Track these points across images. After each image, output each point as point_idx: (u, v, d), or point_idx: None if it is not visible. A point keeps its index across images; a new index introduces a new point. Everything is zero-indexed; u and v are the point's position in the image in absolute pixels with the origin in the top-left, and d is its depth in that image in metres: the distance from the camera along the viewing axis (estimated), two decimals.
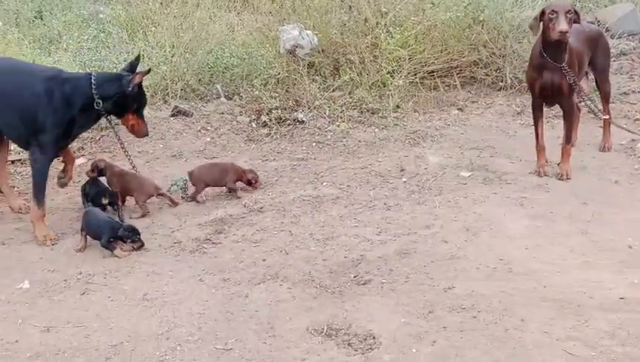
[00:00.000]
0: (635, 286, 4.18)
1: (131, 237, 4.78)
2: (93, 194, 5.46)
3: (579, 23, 5.60)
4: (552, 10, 5.44)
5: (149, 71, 5.47)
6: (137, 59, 5.38)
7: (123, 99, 5.18)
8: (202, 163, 6.01)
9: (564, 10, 5.41)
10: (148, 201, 5.42)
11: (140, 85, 5.21)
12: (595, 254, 4.58)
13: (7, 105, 5.05)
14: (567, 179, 5.66)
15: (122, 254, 4.76)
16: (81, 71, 7.18)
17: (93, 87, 5.08)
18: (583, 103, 5.99)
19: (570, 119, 5.75)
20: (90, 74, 5.23)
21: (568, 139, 5.75)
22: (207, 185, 5.61)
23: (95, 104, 5.08)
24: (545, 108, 5.94)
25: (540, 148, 5.82)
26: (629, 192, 5.46)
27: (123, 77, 5.16)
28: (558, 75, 5.55)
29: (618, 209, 5.18)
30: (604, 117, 6.18)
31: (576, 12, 5.50)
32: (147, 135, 5.61)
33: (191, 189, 5.63)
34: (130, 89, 5.13)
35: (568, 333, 3.76)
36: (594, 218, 5.05)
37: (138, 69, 5.25)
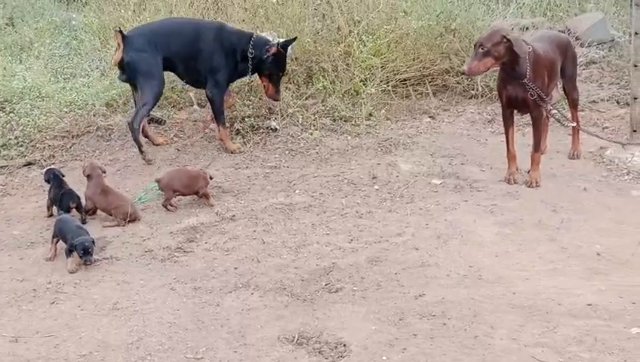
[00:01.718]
0: (603, 292, 4.24)
1: (79, 252, 4.67)
2: (55, 195, 5.41)
3: (513, 47, 5.42)
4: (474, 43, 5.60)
5: (292, 40, 6.79)
6: (295, 39, 6.87)
7: (260, 62, 6.52)
8: (170, 169, 5.94)
9: (478, 44, 5.49)
10: None
11: (277, 56, 6.49)
12: (564, 261, 4.63)
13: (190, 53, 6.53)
14: (537, 186, 5.71)
15: (70, 269, 4.68)
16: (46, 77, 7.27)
17: (251, 44, 6.48)
18: (552, 111, 6.04)
19: (537, 127, 5.79)
20: (252, 34, 6.68)
21: (537, 147, 5.79)
22: (177, 192, 5.57)
23: (249, 59, 6.50)
24: (516, 117, 6.01)
25: (510, 156, 5.87)
26: (598, 199, 5.51)
27: (267, 45, 6.51)
28: (522, 89, 5.60)
29: (587, 216, 5.23)
30: (572, 124, 6.25)
31: (507, 39, 5.41)
32: (277, 100, 6.82)
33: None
34: (265, 56, 6.48)
35: (537, 340, 3.80)
36: (563, 225, 5.10)
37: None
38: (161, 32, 6.57)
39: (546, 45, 5.83)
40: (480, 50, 5.44)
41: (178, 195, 5.58)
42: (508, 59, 5.50)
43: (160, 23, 7.01)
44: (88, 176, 5.46)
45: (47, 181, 5.53)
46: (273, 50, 6.47)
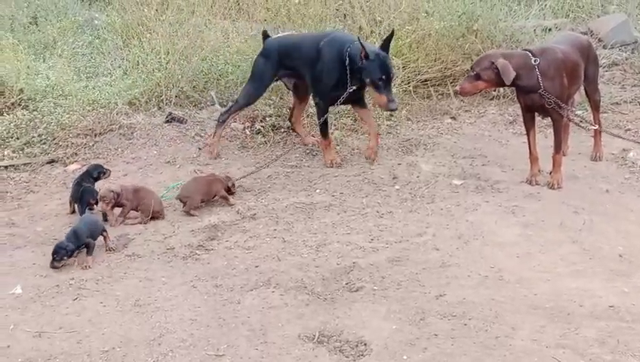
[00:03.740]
0: (625, 294, 4.22)
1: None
2: (75, 192, 5.46)
3: (501, 74, 5.51)
4: None
5: (389, 37, 5.94)
6: (392, 34, 6.01)
7: (358, 71, 5.88)
8: (186, 182, 5.75)
9: (470, 67, 5.77)
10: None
11: (370, 61, 5.75)
12: (586, 263, 4.61)
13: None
14: (559, 188, 5.69)
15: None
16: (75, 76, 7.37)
17: (346, 52, 5.93)
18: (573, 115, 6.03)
19: (558, 129, 5.77)
20: (349, 43, 6.00)
21: (558, 148, 5.77)
22: (202, 201, 5.57)
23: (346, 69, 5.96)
24: (537, 118, 5.99)
25: (532, 158, 5.85)
26: (620, 201, 5.49)
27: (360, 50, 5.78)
28: (538, 97, 5.60)
29: (609, 218, 5.21)
30: (593, 127, 6.22)
31: (495, 66, 5.49)
32: (390, 109, 6.07)
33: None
34: (360, 63, 5.81)
35: (558, 341, 3.79)
36: (585, 227, 5.08)
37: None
38: (289, 46, 6.56)
39: (567, 48, 5.80)
40: (471, 73, 5.65)
41: (202, 203, 5.58)
42: (502, 81, 5.58)
43: (295, 36, 7.08)
44: (117, 201, 5.42)
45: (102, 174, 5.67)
46: (363, 54, 5.77)
